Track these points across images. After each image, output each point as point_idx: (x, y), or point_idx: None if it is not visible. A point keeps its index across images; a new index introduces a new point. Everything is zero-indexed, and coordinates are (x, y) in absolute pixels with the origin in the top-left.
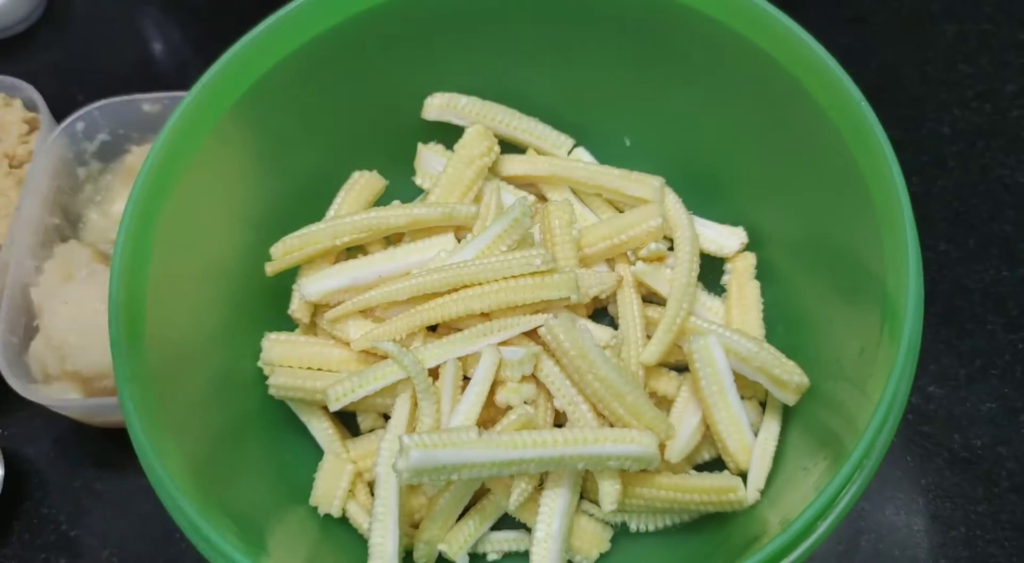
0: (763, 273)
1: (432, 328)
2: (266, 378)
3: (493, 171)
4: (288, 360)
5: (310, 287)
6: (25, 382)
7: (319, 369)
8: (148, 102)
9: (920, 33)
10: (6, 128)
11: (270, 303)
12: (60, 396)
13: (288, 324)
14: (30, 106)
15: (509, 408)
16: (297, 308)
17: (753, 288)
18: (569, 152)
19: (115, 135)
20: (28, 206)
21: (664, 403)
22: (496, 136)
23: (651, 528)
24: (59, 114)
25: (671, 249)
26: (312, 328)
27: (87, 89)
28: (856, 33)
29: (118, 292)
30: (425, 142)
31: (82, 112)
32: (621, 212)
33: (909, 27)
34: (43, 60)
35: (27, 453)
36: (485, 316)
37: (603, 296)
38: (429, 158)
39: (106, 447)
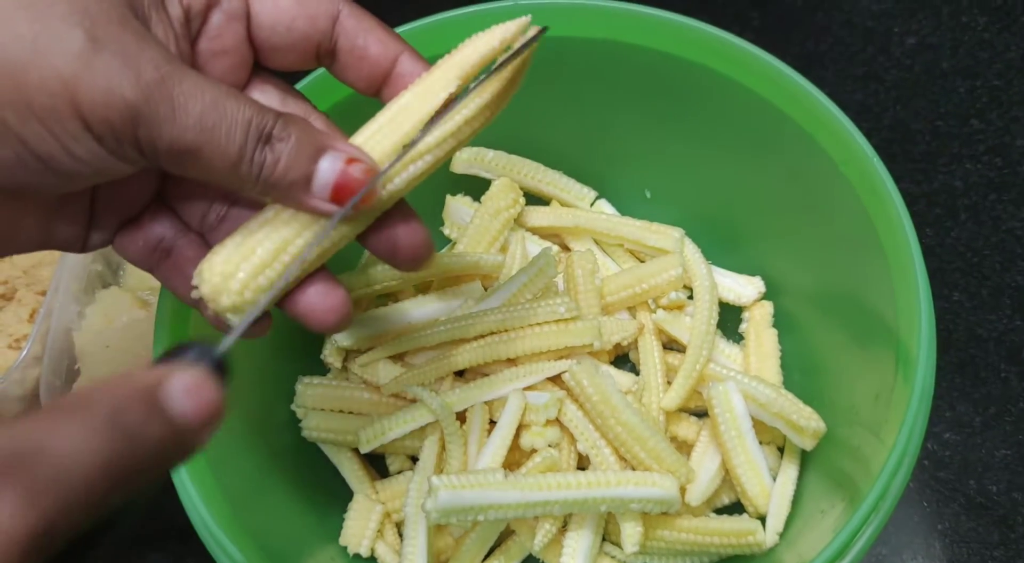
0: (780, 321)
1: (460, 373)
2: (299, 421)
3: (518, 222)
4: (321, 403)
5: (342, 333)
6: None
7: (350, 412)
8: None
9: (932, 90)
10: None
11: (304, 349)
12: None
13: (321, 369)
14: None
15: (534, 451)
16: (329, 353)
17: (771, 336)
18: (592, 204)
19: None
20: (72, 253)
21: (684, 448)
22: (521, 188)
23: None
24: None
25: (691, 298)
26: (344, 373)
27: None
28: (870, 90)
29: (162, 339)
30: (453, 194)
31: None
32: (642, 262)
33: (921, 84)
34: None
35: None
36: (511, 362)
37: (625, 343)
38: (457, 209)
39: None
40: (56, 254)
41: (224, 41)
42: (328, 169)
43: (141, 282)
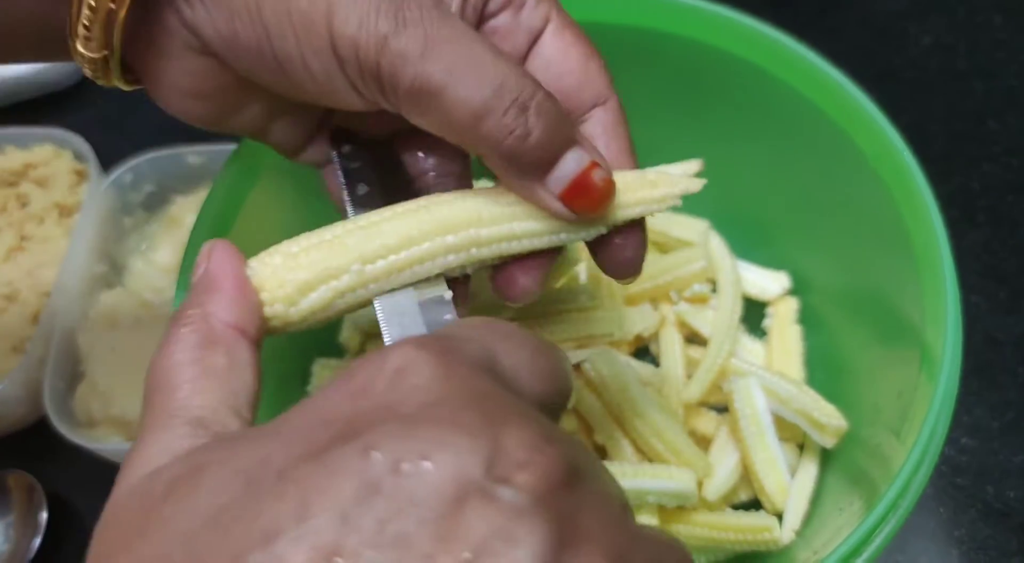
0: (806, 318)
1: None
2: None
3: None
4: None
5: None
6: (71, 426)
7: None
8: (193, 154)
9: (948, 90)
10: (56, 178)
11: (321, 330)
12: (103, 440)
13: (338, 350)
14: (79, 157)
15: None
16: (347, 335)
17: (794, 332)
18: None
19: (161, 186)
20: (76, 254)
21: (703, 442)
22: None
23: None
24: (107, 165)
25: (715, 291)
26: (361, 355)
27: (133, 140)
28: (885, 90)
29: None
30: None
31: (132, 164)
32: (666, 254)
33: (937, 85)
34: (91, 113)
35: (69, 496)
36: None
37: (646, 334)
38: None
39: None
40: (59, 256)
41: (499, 41)
42: (573, 162)
43: (145, 283)
